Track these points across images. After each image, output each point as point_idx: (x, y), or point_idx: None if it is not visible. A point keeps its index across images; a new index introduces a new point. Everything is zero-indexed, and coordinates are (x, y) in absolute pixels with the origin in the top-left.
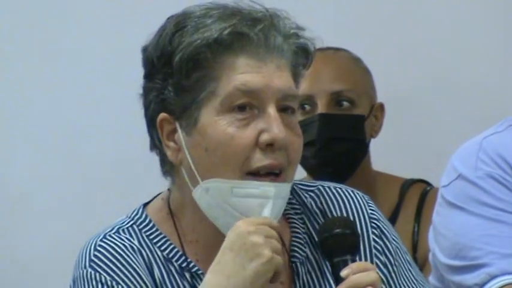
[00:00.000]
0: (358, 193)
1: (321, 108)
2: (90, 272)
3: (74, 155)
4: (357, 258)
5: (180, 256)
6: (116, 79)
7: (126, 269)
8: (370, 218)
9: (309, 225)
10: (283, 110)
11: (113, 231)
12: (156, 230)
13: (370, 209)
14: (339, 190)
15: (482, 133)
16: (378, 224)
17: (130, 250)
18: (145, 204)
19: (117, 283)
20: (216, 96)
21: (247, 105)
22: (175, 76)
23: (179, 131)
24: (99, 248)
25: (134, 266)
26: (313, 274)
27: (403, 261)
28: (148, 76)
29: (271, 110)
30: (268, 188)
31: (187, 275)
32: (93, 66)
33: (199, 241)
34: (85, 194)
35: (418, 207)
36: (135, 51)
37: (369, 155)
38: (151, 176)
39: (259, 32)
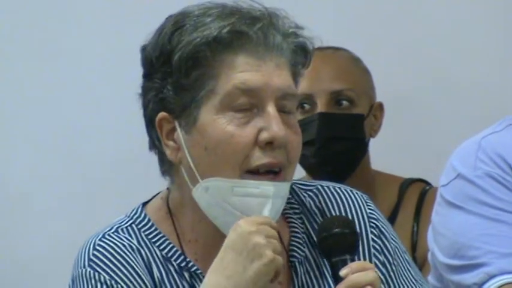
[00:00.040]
0: (357, 193)
1: (320, 107)
2: (89, 271)
3: (74, 155)
4: (356, 258)
5: (179, 255)
6: (116, 79)
7: (125, 268)
8: (369, 217)
9: (307, 224)
10: (282, 108)
11: (112, 231)
12: (155, 229)
13: (369, 209)
14: (338, 190)
15: (481, 132)
16: (377, 223)
17: (130, 249)
18: (145, 204)
19: (116, 282)
20: (216, 95)
21: (246, 103)
22: (174, 75)
23: (178, 130)
24: (98, 248)
25: (133, 265)
26: (311, 274)
27: (402, 260)
28: (147, 75)
29: (271, 109)
30: (267, 187)
31: (186, 274)
32: (93, 66)
33: (199, 240)
34: (85, 194)
35: (417, 207)
36: (134, 51)
37: (368, 155)
38: (151, 176)
39: (259, 31)
